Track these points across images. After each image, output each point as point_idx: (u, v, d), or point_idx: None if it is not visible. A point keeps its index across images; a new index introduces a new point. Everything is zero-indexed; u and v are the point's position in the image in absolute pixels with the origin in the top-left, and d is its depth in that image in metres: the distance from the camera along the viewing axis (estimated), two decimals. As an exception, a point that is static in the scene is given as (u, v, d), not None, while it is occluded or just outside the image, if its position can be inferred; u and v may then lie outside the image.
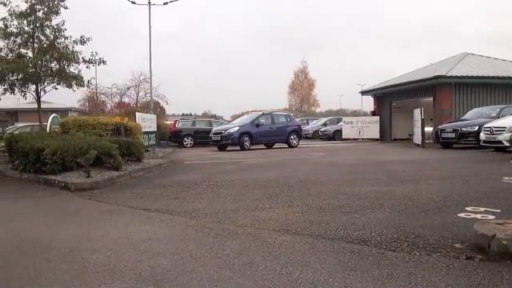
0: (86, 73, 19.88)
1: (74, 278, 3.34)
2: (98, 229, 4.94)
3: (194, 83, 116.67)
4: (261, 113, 22.32)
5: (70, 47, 15.99)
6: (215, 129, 21.73)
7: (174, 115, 49.94)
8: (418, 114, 19.40)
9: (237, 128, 20.22)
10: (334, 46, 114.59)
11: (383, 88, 26.75)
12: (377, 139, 25.97)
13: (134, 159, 11.16)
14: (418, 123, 19.19)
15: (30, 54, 15.72)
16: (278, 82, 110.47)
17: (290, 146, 21.03)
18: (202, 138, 24.69)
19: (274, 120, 21.53)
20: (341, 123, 29.84)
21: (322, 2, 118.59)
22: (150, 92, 32.04)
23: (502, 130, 13.36)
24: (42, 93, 16.25)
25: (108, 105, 42.73)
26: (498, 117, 15.69)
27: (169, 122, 31.21)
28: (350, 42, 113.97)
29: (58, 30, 15.82)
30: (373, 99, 29.34)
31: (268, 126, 21.00)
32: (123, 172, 9.36)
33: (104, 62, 16.71)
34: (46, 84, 16.12)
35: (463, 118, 18.17)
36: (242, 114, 28.52)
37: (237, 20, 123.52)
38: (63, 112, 33.54)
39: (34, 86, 15.93)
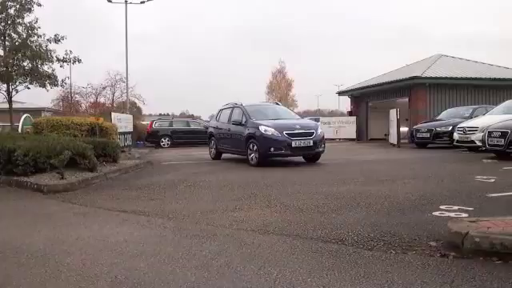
0: (61, 72, 19.59)
1: (47, 282, 3.26)
2: (72, 231, 4.83)
3: (172, 83, 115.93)
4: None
5: (44, 46, 15.71)
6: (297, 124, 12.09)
7: (150, 115, 49.51)
8: (393, 114, 19.67)
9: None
10: (312, 47, 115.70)
11: (360, 88, 27.05)
12: (353, 139, 26.23)
13: (110, 160, 11.00)
14: (394, 123, 19.45)
15: (1, 53, 15.37)
16: (255, 82, 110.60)
17: None
18: (179, 138, 24.55)
19: None
20: (318, 123, 30.02)
21: (300, 4, 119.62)
22: (127, 92, 31.72)
23: (474, 130, 13.64)
24: (14, 92, 15.96)
25: (83, 105, 42.07)
26: (470, 117, 16.03)
27: (145, 123, 30.91)
28: (327, 43, 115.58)
29: (30, 28, 15.55)
30: (350, 99, 29.64)
31: None
32: (98, 173, 9.21)
33: (79, 61, 16.54)
34: (17, 83, 15.81)
35: (438, 118, 18.51)
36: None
37: (214, 20, 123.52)
38: (36, 112, 32.80)
39: (5, 86, 15.58)
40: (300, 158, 11.94)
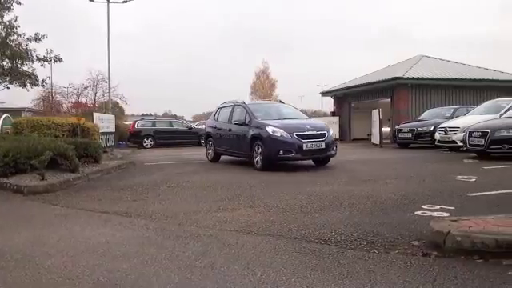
0: (41, 71, 19.27)
1: (27, 285, 3.20)
2: (54, 233, 4.75)
3: (154, 83, 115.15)
4: None
5: (24, 45, 15.43)
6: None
7: (133, 115, 49.06)
8: (376, 114, 19.82)
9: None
10: (297, 47, 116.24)
11: (343, 89, 27.23)
12: (336, 139, 26.30)
13: (92, 161, 10.86)
14: (376, 123, 19.61)
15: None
16: (240, 82, 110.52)
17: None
18: (162, 138, 24.35)
19: None
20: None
21: (283, 6, 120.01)
22: (109, 92, 31.42)
23: (455, 130, 13.86)
24: (-7, 92, 15.62)
25: (64, 105, 41.64)
26: (452, 117, 16.26)
27: (128, 123, 30.62)
28: (312, 44, 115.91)
29: (10, 27, 15.24)
30: (333, 100, 29.82)
31: None
32: (80, 174, 9.08)
33: (60, 60, 16.28)
34: (-3, 83, 15.50)
35: (420, 118, 18.73)
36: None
37: (199, 21, 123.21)
38: (16, 112, 32.25)
39: (-16, 85, 15.28)
40: (310, 162, 11.31)
